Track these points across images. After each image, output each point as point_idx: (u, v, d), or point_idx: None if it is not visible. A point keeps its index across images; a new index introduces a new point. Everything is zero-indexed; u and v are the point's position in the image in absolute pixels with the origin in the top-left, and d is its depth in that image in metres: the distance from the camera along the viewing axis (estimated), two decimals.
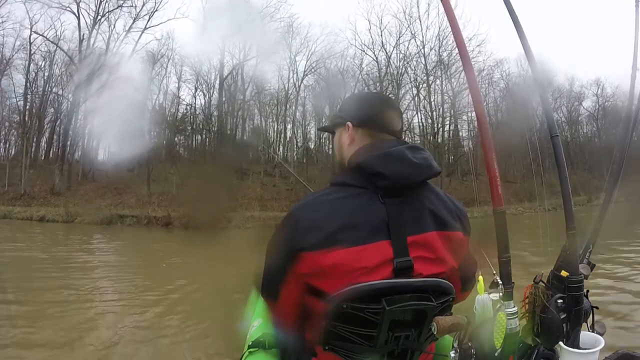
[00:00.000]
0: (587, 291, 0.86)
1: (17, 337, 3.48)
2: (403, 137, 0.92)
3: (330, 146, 22.76)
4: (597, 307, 0.86)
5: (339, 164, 0.95)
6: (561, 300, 0.82)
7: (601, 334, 0.84)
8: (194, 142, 23.22)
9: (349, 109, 0.94)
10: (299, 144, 23.62)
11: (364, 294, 0.74)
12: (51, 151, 22.46)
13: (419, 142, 20.73)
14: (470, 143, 23.32)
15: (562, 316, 0.81)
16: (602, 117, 26.24)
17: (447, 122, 23.32)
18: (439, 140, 22.16)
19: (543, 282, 0.84)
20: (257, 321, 1.08)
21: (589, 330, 0.86)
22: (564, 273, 0.85)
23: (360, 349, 0.78)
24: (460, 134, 24.12)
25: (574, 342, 0.81)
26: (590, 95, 26.41)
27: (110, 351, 3.25)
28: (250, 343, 0.97)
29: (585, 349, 0.81)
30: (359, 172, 0.80)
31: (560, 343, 0.81)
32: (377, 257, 0.75)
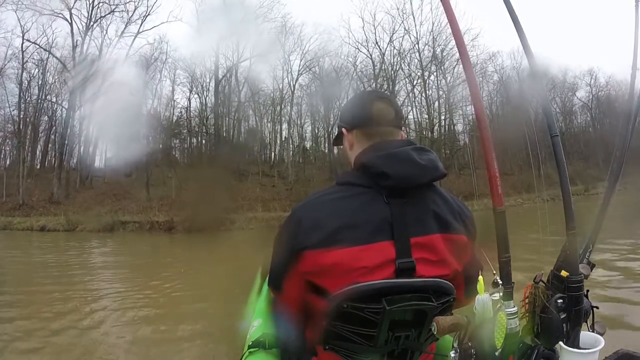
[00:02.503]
0: (587, 291, 0.86)
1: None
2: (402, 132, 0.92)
3: (327, 145, 22.80)
4: (597, 307, 0.86)
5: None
6: (561, 300, 0.82)
7: (601, 334, 0.84)
8: (190, 145, 23.19)
9: (342, 115, 0.96)
10: (296, 144, 23.60)
11: (364, 293, 0.74)
12: (46, 160, 22.36)
13: (414, 137, 20.77)
14: (466, 137, 23.41)
15: (562, 316, 0.81)
16: (595, 106, 26.39)
17: (443, 117, 23.40)
18: (435, 135, 22.20)
19: (543, 282, 0.84)
20: (257, 321, 1.07)
21: (589, 330, 0.86)
22: (564, 273, 0.85)
23: (361, 349, 0.78)
24: (456, 128, 24.21)
25: (574, 342, 0.81)
26: (584, 86, 26.54)
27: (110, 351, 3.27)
28: (251, 343, 0.97)
29: (585, 349, 0.81)
30: (364, 172, 0.81)
31: (560, 343, 0.81)
32: (378, 257, 0.75)
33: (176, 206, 16.96)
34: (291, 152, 22.98)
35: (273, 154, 23.98)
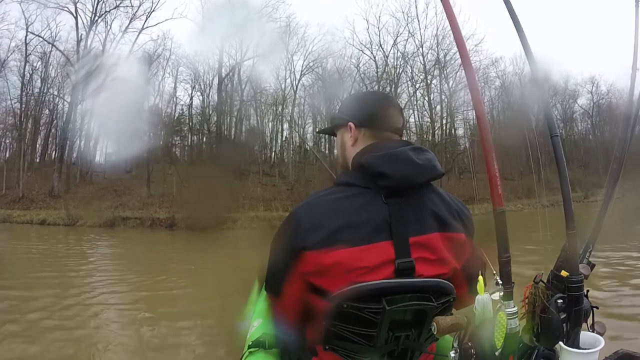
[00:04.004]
0: (587, 291, 0.86)
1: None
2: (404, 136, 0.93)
3: (327, 146, 22.77)
4: (597, 307, 0.86)
5: (341, 165, 0.94)
6: (561, 300, 0.82)
7: (601, 334, 0.84)
8: (190, 142, 23.19)
9: (350, 109, 0.94)
10: (297, 144, 23.59)
11: (364, 293, 0.74)
12: (46, 153, 22.36)
13: (416, 140, 20.79)
14: (467, 142, 23.41)
15: (562, 316, 0.81)
16: (596, 114, 26.45)
17: (445, 121, 23.43)
18: (437, 139, 22.22)
19: (543, 282, 0.84)
20: (257, 321, 1.07)
21: (589, 330, 0.86)
22: (564, 273, 0.85)
23: (361, 349, 0.78)
24: (457, 132, 24.23)
25: (574, 342, 0.81)
26: (585, 93, 26.59)
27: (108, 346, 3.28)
28: (250, 343, 0.97)
29: (585, 349, 0.81)
30: (362, 172, 0.81)
31: (560, 343, 0.81)
32: (378, 257, 0.75)
33: (177, 203, 16.97)
34: (291, 152, 22.96)
35: (273, 153, 23.99)
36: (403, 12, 23.28)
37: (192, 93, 22.35)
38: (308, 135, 24.07)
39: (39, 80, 21.32)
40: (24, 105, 21.06)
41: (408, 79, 23.15)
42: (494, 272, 0.82)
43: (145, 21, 21.27)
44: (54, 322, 3.85)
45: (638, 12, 1.20)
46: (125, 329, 3.80)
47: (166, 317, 4.14)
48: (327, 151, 22.92)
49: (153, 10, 21.20)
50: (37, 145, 22.32)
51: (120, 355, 3.15)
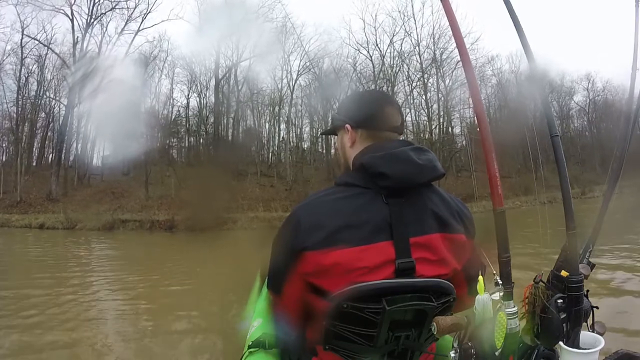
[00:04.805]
0: (587, 291, 0.86)
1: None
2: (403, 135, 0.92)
3: (325, 146, 22.80)
4: (597, 307, 0.86)
5: (343, 166, 0.94)
6: (561, 300, 0.82)
7: (601, 334, 0.84)
8: (187, 144, 23.14)
9: (347, 110, 0.93)
10: (294, 144, 23.57)
11: (364, 293, 0.74)
12: (43, 157, 22.26)
13: (413, 138, 20.83)
14: (464, 140, 23.47)
15: (562, 316, 0.81)
16: (592, 110, 26.56)
17: (442, 120, 23.48)
18: (435, 137, 22.27)
19: (543, 282, 0.84)
20: (257, 321, 1.07)
21: (589, 330, 0.86)
22: (564, 273, 0.85)
23: (361, 349, 0.78)
24: (454, 130, 24.30)
25: (574, 342, 0.81)
26: (581, 90, 26.66)
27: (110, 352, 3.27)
28: (250, 343, 0.97)
29: (585, 349, 0.81)
30: (363, 172, 0.81)
31: (560, 343, 0.81)
32: (378, 258, 0.75)
33: (176, 205, 16.94)
34: (289, 153, 22.93)
35: (271, 154, 23.97)
36: (399, 11, 23.30)
37: (188, 94, 22.31)
38: (305, 135, 24.10)
39: (35, 83, 21.27)
40: (20, 109, 20.95)
41: (405, 78, 23.24)
42: (494, 272, 0.82)
43: (141, 23, 21.21)
44: (50, 321, 3.84)
45: (638, 12, 1.21)
46: (123, 328, 3.80)
47: (165, 318, 4.15)
48: (324, 151, 22.96)
49: (149, 12, 21.15)
50: (34, 149, 22.23)
51: (119, 355, 3.14)
